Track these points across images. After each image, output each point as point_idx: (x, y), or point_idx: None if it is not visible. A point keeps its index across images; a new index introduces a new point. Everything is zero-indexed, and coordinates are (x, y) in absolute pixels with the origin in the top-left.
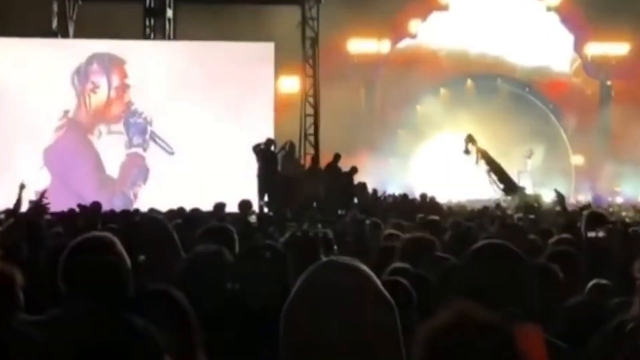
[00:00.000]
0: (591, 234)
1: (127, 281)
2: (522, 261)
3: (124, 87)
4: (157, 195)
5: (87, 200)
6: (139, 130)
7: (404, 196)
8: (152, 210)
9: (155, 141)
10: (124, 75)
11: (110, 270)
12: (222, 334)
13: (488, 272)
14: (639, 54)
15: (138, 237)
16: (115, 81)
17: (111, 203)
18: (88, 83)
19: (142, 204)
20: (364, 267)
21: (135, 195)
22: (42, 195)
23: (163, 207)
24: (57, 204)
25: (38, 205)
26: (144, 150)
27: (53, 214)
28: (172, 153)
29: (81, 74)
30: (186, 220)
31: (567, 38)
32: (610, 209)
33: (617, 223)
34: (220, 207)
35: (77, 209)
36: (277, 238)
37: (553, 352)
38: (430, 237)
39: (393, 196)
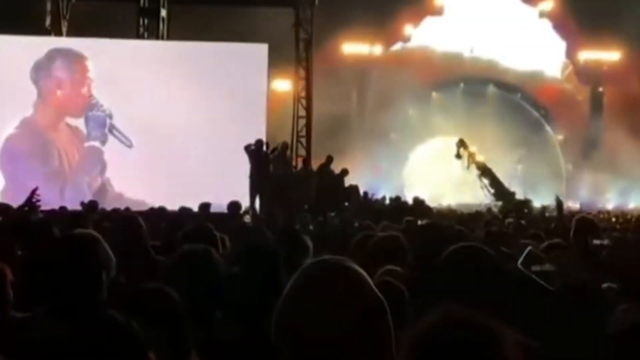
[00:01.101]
0: (596, 242)
1: (100, 279)
2: (494, 264)
3: (84, 82)
4: (143, 194)
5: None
6: (98, 123)
7: (397, 199)
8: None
9: (113, 134)
10: (84, 70)
11: (84, 269)
12: (211, 333)
13: (461, 274)
14: (630, 61)
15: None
16: (76, 76)
17: (62, 195)
18: (49, 78)
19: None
20: (356, 267)
21: (91, 189)
22: (33, 193)
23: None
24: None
25: (29, 203)
26: (103, 143)
27: (43, 212)
28: (130, 146)
29: (41, 69)
30: (173, 221)
31: (559, 44)
32: (601, 215)
33: (607, 230)
34: (205, 207)
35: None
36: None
37: (526, 353)
38: (397, 235)
39: (383, 198)
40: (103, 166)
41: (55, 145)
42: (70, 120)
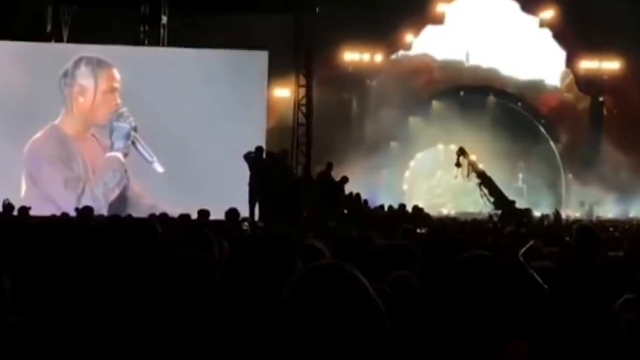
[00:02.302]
0: (612, 254)
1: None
2: (503, 272)
3: (111, 91)
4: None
5: (54, 201)
6: (122, 135)
7: (402, 207)
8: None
9: (136, 147)
10: (112, 79)
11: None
12: (205, 337)
13: (471, 282)
14: (631, 70)
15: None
16: (103, 84)
17: (78, 202)
18: (75, 86)
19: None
20: (354, 270)
21: (107, 199)
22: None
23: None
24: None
25: (21, 208)
26: (125, 155)
27: (40, 217)
28: (151, 162)
29: (68, 77)
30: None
31: (559, 53)
32: (600, 225)
33: (606, 239)
34: (204, 213)
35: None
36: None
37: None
38: (407, 244)
39: (382, 207)
40: (122, 177)
41: (80, 153)
42: (95, 131)
